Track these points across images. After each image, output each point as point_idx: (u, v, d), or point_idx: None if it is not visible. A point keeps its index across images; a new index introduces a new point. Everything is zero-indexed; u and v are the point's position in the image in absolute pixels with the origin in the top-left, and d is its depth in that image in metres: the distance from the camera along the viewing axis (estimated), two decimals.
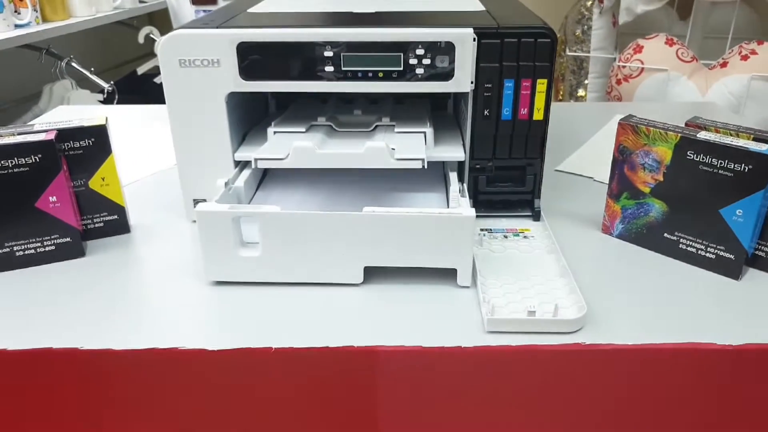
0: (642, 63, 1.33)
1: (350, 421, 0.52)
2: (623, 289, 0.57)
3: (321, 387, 0.50)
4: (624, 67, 1.35)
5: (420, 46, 0.60)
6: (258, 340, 0.50)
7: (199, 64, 0.61)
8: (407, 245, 0.55)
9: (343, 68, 0.61)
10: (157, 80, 2.11)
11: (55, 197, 0.59)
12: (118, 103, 1.80)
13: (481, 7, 0.72)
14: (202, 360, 0.49)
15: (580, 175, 0.83)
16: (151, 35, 2.11)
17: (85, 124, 0.61)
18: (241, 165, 0.68)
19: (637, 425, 0.52)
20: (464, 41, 0.60)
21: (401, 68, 0.61)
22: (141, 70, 2.08)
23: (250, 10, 0.72)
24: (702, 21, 1.50)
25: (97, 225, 0.65)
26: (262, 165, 0.58)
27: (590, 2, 1.48)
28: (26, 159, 0.56)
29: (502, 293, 0.55)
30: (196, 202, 0.69)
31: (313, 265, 0.56)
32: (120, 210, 0.66)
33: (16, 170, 0.56)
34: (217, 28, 0.61)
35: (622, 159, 0.63)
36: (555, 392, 0.50)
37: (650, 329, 0.51)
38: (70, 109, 1.16)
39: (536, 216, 0.69)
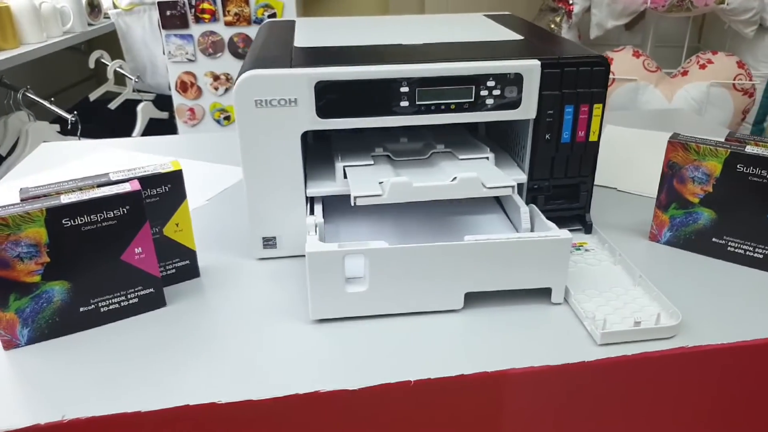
0: (613, 74, 1.43)
1: None
2: (691, 291, 0.62)
3: (454, 414, 0.52)
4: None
5: (491, 79, 0.63)
6: (387, 375, 0.50)
7: (275, 104, 0.61)
8: (506, 269, 0.58)
9: (417, 102, 0.63)
10: (111, 106, 2.03)
11: (140, 248, 0.57)
12: (73, 132, 1.71)
13: (517, 36, 0.76)
14: (342, 399, 0.49)
15: (605, 186, 0.88)
16: (102, 59, 2.02)
17: (161, 170, 0.60)
18: (312, 201, 0.68)
19: (742, 418, 0.57)
20: (532, 72, 0.64)
21: (472, 99, 0.64)
22: (93, 96, 1.99)
23: (299, 45, 0.72)
24: (652, 32, 1.63)
25: (169, 272, 0.64)
26: (360, 202, 0.59)
27: (558, 18, 1.57)
28: (114, 212, 0.54)
29: (595, 307, 0.59)
30: (265, 240, 0.68)
31: (417, 295, 0.58)
32: (192, 255, 0.65)
33: (104, 224, 0.54)
34: (291, 67, 0.61)
35: (671, 174, 0.68)
36: (666, 393, 0.55)
37: (736, 326, 0.56)
38: (52, 147, 1.10)
39: (588, 229, 0.74)
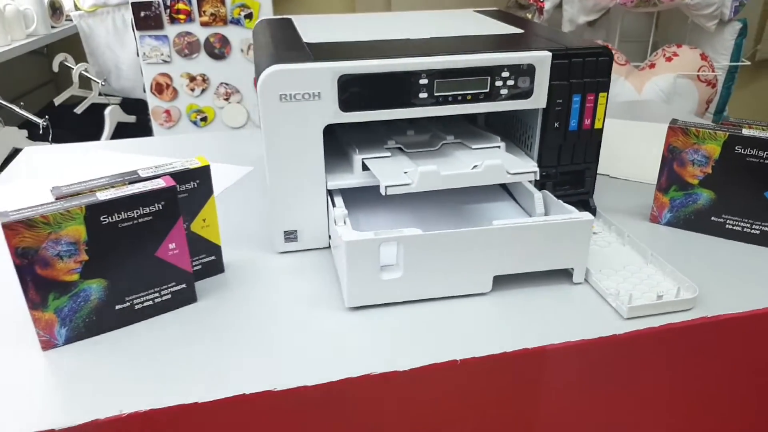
0: None
1: (523, 419, 0.56)
2: (695, 266, 0.66)
3: (497, 389, 0.54)
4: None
5: (506, 69, 0.66)
6: (432, 356, 0.52)
7: (299, 98, 0.62)
8: (532, 252, 0.60)
9: (435, 94, 0.65)
10: (78, 110, 1.97)
11: (174, 244, 0.57)
12: (44, 137, 1.66)
13: (517, 29, 0.79)
14: (392, 380, 0.51)
15: (599, 174, 0.92)
16: (66, 62, 1.96)
17: (190, 166, 0.60)
18: (332, 193, 0.69)
19: (760, 381, 0.61)
20: (543, 63, 0.67)
21: (487, 90, 0.66)
22: (59, 100, 1.93)
23: (310, 41, 0.73)
24: (618, 28, 1.70)
25: (196, 268, 0.64)
26: (391, 191, 0.60)
27: (530, 14, 1.62)
28: (150, 208, 0.54)
29: (615, 284, 0.62)
30: (286, 234, 0.69)
31: (448, 280, 0.60)
32: (217, 250, 0.65)
33: (140, 220, 0.54)
34: (314, 61, 0.62)
35: (671, 157, 0.72)
36: (688, 362, 0.58)
37: (744, 297, 0.60)
38: (36, 151, 1.07)
39: (592, 213, 0.77)
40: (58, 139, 1.71)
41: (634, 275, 0.64)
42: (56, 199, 0.53)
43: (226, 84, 1.61)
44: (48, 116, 1.74)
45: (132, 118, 2.10)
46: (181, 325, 0.57)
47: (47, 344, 0.54)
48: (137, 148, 1.06)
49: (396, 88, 0.64)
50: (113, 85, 2.13)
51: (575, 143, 0.73)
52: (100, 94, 2.05)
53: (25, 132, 1.62)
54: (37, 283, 0.51)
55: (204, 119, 1.66)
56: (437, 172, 0.61)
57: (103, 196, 0.52)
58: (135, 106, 2.16)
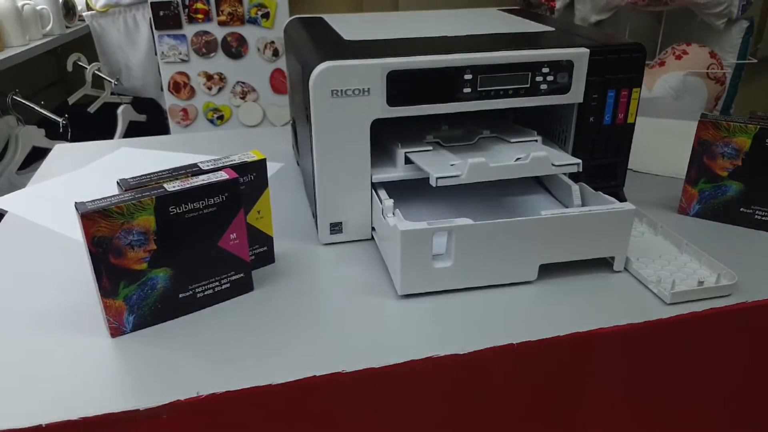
0: None
1: (572, 401, 0.59)
2: (726, 254, 0.69)
3: (549, 372, 0.56)
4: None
5: (545, 65, 0.68)
6: (487, 340, 0.54)
7: (350, 93, 0.64)
8: (577, 241, 0.63)
9: (478, 89, 0.68)
10: (90, 109, 1.98)
11: (235, 234, 0.59)
12: (63, 136, 1.67)
13: (547, 27, 0.82)
14: (454, 363, 0.53)
15: None
16: (79, 62, 1.97)
17: (247, 159, 0.62)
18: (375, 186, 0.71)
19: None
20: (581, 59, 0.69)
21: (528, 85, 0.69)
22: (72, 99, 1.94)
23: (350, 38, 0.75)
24: (627, 26, 1.73)
25: (251, 258, 0.66)
26: (441, 183, 0.63)
27: (541, 13, 1.65)
28: (215, 199, 0.56)
29: (653, 272, 0.65)
30: (332, 225, 0.71)
31: (496, 268, 0.62)
32: (270, 241, 0.67)
33: (205, 211, 0.56)
34: (363, 58, 0.64)
35: (701, 150, 0.75)
36: (728, 345, 0.61)
37: None
38: (67, 148, 1.08)
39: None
40: (74, 138, 1.72)
41: (671, 263, 0.67)
42: (125, 190, 0.55)
43: (243, 83, 1.63)
44: (60, 114, 1.76)
45: (143, 117, 2.12)
46: (241, 313, 0.59)
47: (116, 331, 0.55)
48: (165, 146, 1.08)
49: (441, 84, 0.66)
50: (124, 84, 2.15)
51: (608, 137, 0.75)
52: (112, 94, 2.06)
53: (42, 131, 1.63)
54: (110, 271, 0.53)
55: (220, 118, 1.68)
56: (486, 163, 0.63)
57: (171, 187, 0.54)
58: (145, 105, 2.18)
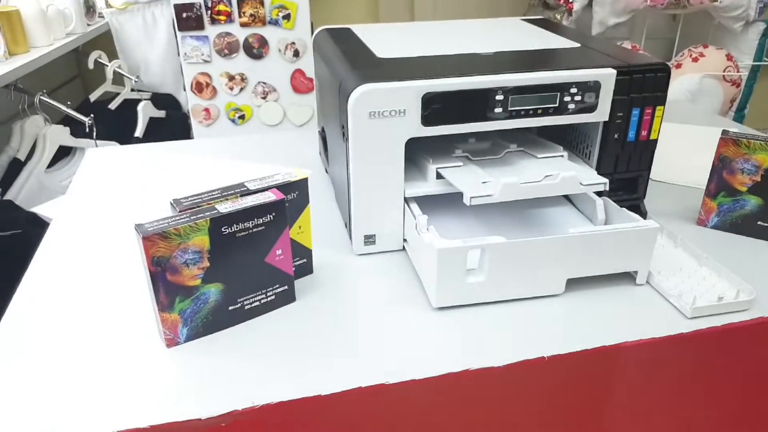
0: None
1: (597, 413, 0.62)
2: (744, 267, 0.72)
3: (578, 384, 0.60)
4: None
5: (574, 86, 0.71)
6: (520, 353, 0.58)
7: (387, 114, 0.67)
8: (602, 256, 0.66)
9: (509, 108, 0.70)
10: (111, 106, 2.01)
11: (280, 250, 0.62)
12: (89, 135, 1.70)
13: (573, 43, 0.84)
14: (489, 376, 0.56)
15: None
16: (100, 59, 2.01)
17: (290, 179, 0.65)
18: (407, 201, 0.74)
19: None
20: (608, 79, 0.72)
21: (557, 105, 0.72)
22: (93, 96, 1.98)
23: (383, 56, 0.77)
24: (638, 26, 1.75)
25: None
26: (474, 202, 0.66)
27: (559, 15, 1.67)
28: (263, 218, 0.60)
29: (674, 285, 0.68)
30: (366, 237, 0.74)
31: (526, 282, 0.65)
32: (309, 254, 0.70)
33: (255, 230, 0.59)
34: (400, 80, 0.67)
35: (721, 166, 0.78)
36: (746, 360, 0.64)
37: None
38: (101, 153, 1.12)
39: (643, 216, 0.83)
40: (96, 135, 1.76)
41: (691, 277, 0.70)
42: (180, 211, 0.58)
43: (264, 83, 1.66)
44: (83, 113, 1.79)
45: (162, 113, 2.15)
46: (285, 324, 0.63)
47: (171, 342, 0.59)
48: (197, 150, 1.11)
49: (474, 104, 0.69)
50: (143, 80, 2.18)
51: (631, 152, 0.78)
52: (132, 90, 2.09)
53: (67, 129, 1.67)
54: (167, 288, 0.56)
55: (242, 117, 1.71)
56: (517, 184, 0.66)
57: (223, 208, 0.58)
58: (164, 100, 2.21)
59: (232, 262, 0.59)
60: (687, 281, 0.69)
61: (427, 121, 0.69)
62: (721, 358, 0.64)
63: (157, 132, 2.08)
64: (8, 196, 1.42)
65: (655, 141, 0.78)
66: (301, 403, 0.53)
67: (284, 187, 0.64)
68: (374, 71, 0.71)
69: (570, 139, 0.84)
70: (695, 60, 1.53)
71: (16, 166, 1.51)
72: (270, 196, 0.60)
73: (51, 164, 1.61)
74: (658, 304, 0.66)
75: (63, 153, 1.68)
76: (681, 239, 0.76)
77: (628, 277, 0.69)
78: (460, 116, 0.70)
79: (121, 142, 1.91)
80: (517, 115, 0.71)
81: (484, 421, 0.59)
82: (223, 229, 0.57)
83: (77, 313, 0.65)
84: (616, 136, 0.76)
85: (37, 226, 1.27)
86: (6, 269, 1.15)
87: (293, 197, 0.66)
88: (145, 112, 2.04)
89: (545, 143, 0.82)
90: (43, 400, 0.53)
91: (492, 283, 0.64)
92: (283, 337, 0.61)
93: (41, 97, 1.55)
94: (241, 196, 0.61)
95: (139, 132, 2.01)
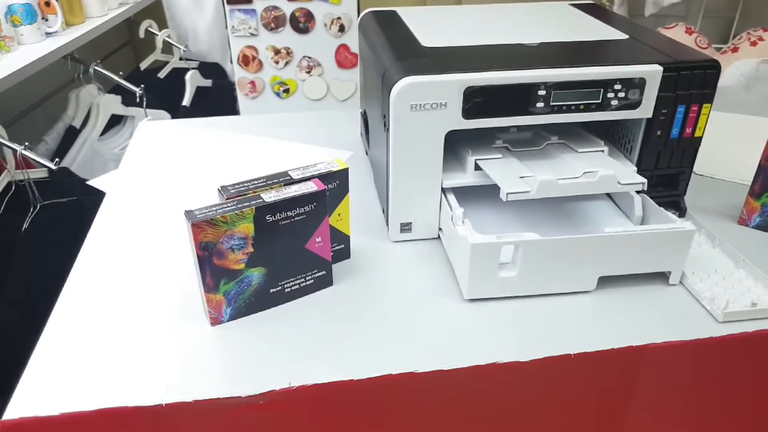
0: None
1: (619, 413, 0.64)
2: None
3: (602, 383, 0.62)
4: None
5: (618, 82, 0.70)
6: (547, 349, 0.60)
7: (428, 107, 0.68)
8: (636, 256, 0.66)
9: (551, 103, 0.70)
10: (161, 74, 2.07)
11: (320, 238, 0.65)
12: (140, 104, 1.76)
13: (622, 34, 0.82)
14: (515, 370, 0.59)
15: None
16: (150, 29, 2.05)
17: (332, 169, 0.67)
18: (444, 191, 0.76)
19: None
20: (654, 76, 0.71)
21: (599, 101, 0.71)
22: (144, 65, 2.03)
23: (427, 45, 0.78)
24: (701, 8, 1.68)
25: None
26: (511, 198, 0.67)
27: None
28: (305, 208, 0.62)
29: (707, 288, 0.68)
30: (402, 225, 0.76)
31: (558, 278, 0.66)
32: (347, 240, 0.73)
33: (297, 218, 0.62)
34: (442, 73, 0.68)
35: None
36: None
37: None
38: (151, 126, 1.16)
39: (682, 213, 0.82)
40: (147, 105, 1.81)
41: (726, 279, 0.70)
42: (227, 199, 0.61)
43: (309, 57, 1.67)
44: (132, 81, 1.84)
45: (208, 82, 2.19)
46: (322, 306, 0.66)
47: (215, 320, 0.63)
48: (243, 127, 1.14)
49: (515, 98, 0.69)
50: (191, 48, 2.22)
51: (674, 149, 0.77)
52: (180, 59, 2.14)
53: (119, 98, 1.73)
54: (213, 271, 0.60)
55: (286, 91, 1.73)
56: (555, 181, 0.67)
57: (267, 197, 0.60)
58: (211, 69, 2.25)
59: (275, 248, 0.62)
60: (721, 283, 0.69)
61: (468, 114, 0.70)
62: (752, 365, 0.64)
63: (203, 101, 2.12)
64: (64, 163, 1.49)
65: (700, 138, 0.77)
66: (333, 386, 0.56)
67: (326, 177, 0.67)
68: (417, 62, 0.72)
69: (612, 132, 0.84)
70: (754, 44, 1.46)
71: (71, 134, 1.58)
72: (312, 187, 0.63)
73: (103, 132, 1.68)
74: (690, 306, 0.66)
75: (115, 121, 1.74)
76: (719, 239, 0.75)
77: (662, 276, 0.70)
78: (502, 110, 0.70)
79: (169, 110, 1.96)
80: (559, 110, 0.71)
81: (508, 414, 0.62)
82: (267, 218, 0.60)
83: (129, 289, 0.69)
84: (659, 133, 0.75)
85: (91, 193, 1.33)
86: (62, 235, 1.23)
87: (334, 186, 0.68)
88: (192, 81, 2.08)
89: (587, 136, 0.82)
90: (95, 370, 0.58)
91: (524, 278, 0.66)
92: (319, 320, 0.64)
93: (95, 67, 1.60)
94: (285, 185, 0.64)
95: (186, 101, 2.06)
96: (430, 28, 0.86)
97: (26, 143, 1.18)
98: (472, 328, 0.63)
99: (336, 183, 0.68)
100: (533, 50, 0.76)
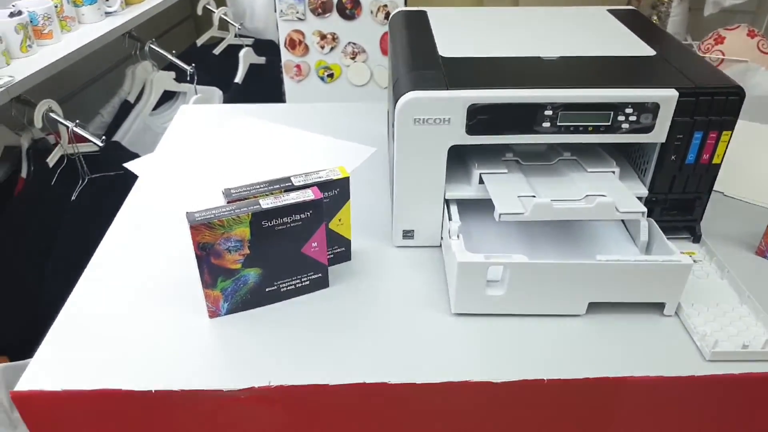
0: (723, 54, 1.41)
1: None
2: None
3: (574, 410, 0.62)
4: (703, 57, 1.43)
5: (629, 106, 0.69)
6: (523, 372, 0.61)
7: (431, 122, 0.69)
8: (628, 285, 0.66)
9: (558, 124, 0.70)
10: (216, 51, 2.13)
11: (316, 243, 0.68)
12: (190, 81, 1.83)
13: (649, 51, 0.80)
14: (485, 390, 0.60)
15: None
16: (208, 6, 2.11)
17: (333, 177, 0.69)
18: (448, 202, 0.77)
19: None
20: (669, 102, 0.69)
21: (609, 123, 0.70)
22: (200, 41, 2.10)
23: (444, 54, 0.78)
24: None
25: (329, 257, 0.75)
26: (505, 219, 0.67)
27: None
28: (301, 215, 0.65)
29: (704, 322, 0.67)
30: (405, 232, 0.78)
31: (546, 300, 0.67)
32: (347, 243, 0.76)
33: (292, 225, 0.65)
34: (447, 89, 0.69)
35: None
36: (764, 412, 0.63)
37: None
38: (191, 110, 1.21)
39: (697, 239, 0.80)
40: (199, 81, 1.88)
41: (726, 315, 0.68)
42: (228, 202, 0.65)
43: (354, 43, 1.69)
44: (188, 57, 1.91)
45: (262, 60, 2.24)
46: (317, 308, 0.69)
47: (213, 314, 0.68)
48: (280, 115, 1.17)
49: (521, 116, 0.69)
50: (247, 26, 2.27)
51: (690, 175, 0.75)
52: (235, 36, 2.20)
53: (173, 74, 1.80)
54: (211, 269, 0.64)
55: (330, 75, 1.76)
56: (550, 204, 0.67)
57: (265, 204, 0.64)
58: (266, 47, 2.29)
59: (271, 251, 0.66)
60: (720, 319, 0.67)
61: (471, 130, 0.70)
62: (736, 408, 0.63)
63: (256, 78, 2.18)
64: (116, 136, 1.58)
65: (718, 165, 0.74)
66: (308, 389, 0.59)
67: (327, 185, 0.69)
68: (427, 75, 0.72)
69: (630, 151, 0.82)
70: None
71: (125, 108, 1.67)
72: (309, 195, 0.65)
73: (156, 107, 1.76)
74: (681, 340, 0.65)
75: (167, 96, 1.82)
76: (728, 271, 0.73)
77: (659, 305, 0.69)
78: (506, 128, 0.70)
79: (222, 87, 2.03)
80: (566, 130, 0.70)
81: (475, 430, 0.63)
82: (263, 223, 0.64)
83: (143, 275, 0.75)
84: (673, 157, 0.73)
85: None
86: (107, 207, 1.31)
87: (334, 193, 0.70)
88: (246, 58, 2.13)
89: (600, 154, 0.80)
90: (99, 352, 0.63)
91: (512, 298, 0.66)
92: (310, 322, 0.67)
93: (150, 45, 1.67)
94: (285, 191, 0.67)
95: (238, 78, 2.12)
96: (453, 35, 0.86)
97: (77, 120, 1.26)
98: (456, 343, 0.65)
99: (337, 191, 0.70)
100: (549, 65, 0.75)
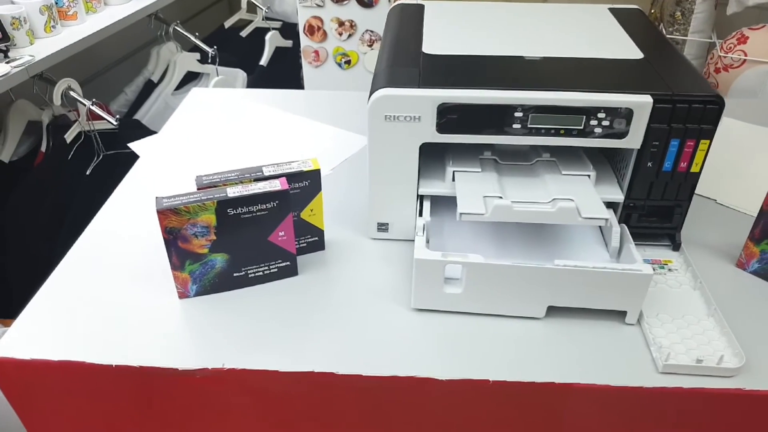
0: (745, 54, 1.36)
1: None
2: (764, 326, 0.67)
3: (520, 414, 0.63)
4: (725, 56, 1.38)
5: (602, 111, 0.68)
6: (471, 370, 0.62)
7: (402, 119, 0.70)
8: (589, 292, 0.66)
9: (529, 125, 0.70)
10: (243, 33, 2.16)
11: (283, 232, 0.70)
12: (212, 62, 1.87)
13: (637, 54, 0.78)
14: (430, 386, 0.61)
15: (704, 196, 0.90)
16: None
17: (304, 168, 0.71)
18: (422, 197, 0.77)
19: None
20: (643, 108, 0.68)
21: (581, 127, 0.69)
22: (228, 23, 2.13)
23: (427, 51, 0.79)
24: None
25: (302, 245, 0.77)
26: (465, 219, 0.68)
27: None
28: (267, 205, 0.67)
29: (665, 333, 0.66)
30: (379, 225, 0.80)
31: (505, 301, 0.67)
32: (320, 233, 0.77)
33: (258, 213, 0.67)
34: (418, 87, 0.69)
35: None
36: (715, 429, 0.62)
37: None
38: (207, 92, 1.24)
39: (676, 247, 0.78)
40: (224, 63, 1.92)
41: (690, 327, 0.67)
42: (198, 188, 0.67)
43: (371, 31, 1.69)
44: (215, 39, 1.95)
45: (289, 43, 2.26)
46: (283, 296, 0.71)
47: (182, 295, 0.71)
48: (282, 103, 1.19)
49: (491, 117, 0.69)
50: (276, 9, 2.30)
51: (668, 182, 0.74)
52: (263, 19, 2.22)
53: (197, 55, 1.84)
54: (178, 252, 0.67)
55: (348, 62, 1.77)
56: (510, 206, 0.67)
57: (231, 192, 0.66)
58: (293, 30, 2.32)
59: (237, 238, 0.68)
60: (682, 331, 0.67)
61: (442, 129, 0.70)
62: (686, 422, 0.62)
63: (280, 61, 2.21)
64: (138, 114, 1.63)
65: (697, 174, 0.72)
66: (260, 374, 0.62)
67: (297, 176, 0.71)
68: (402, 72, 0.73)
69: (611, 155, 0.81)
70: None
71: (149, 87, 1.72)
72: (276, 185, 0.67)
73: (179, 87, 1.81)
74: (639, 350, 0.65)
75: (190, 77, 1.86)
76: (701, 282, 0.72)
77: (621, 313, 0.68)
78: (477, 128, 0.70)
79: (247, 69, 2.06)
80: (537, 132, 0.70)
81: (417, 429, 0.65)
82: (228, 210, 0.66)
83: (126, 254, 0.78)
84: (649, 164, 0.72)
85: None
86: (119, 182, 1.36)
87: (305, 185, 0.72)
88: (272, 41, 2.16)
89: (579, 157, 0.79)
90: (73, 324, 0.67)
91: (469, 297, 0.67)
92: (276, 308, 0.70)
93: (175, 27, 1.71)
94: (255, 180, 0.69)
95: (264, 60, 2.15)
96: (443, 30, 0.86)
97: (94, 99, 1.31)
98: (411, 337, 0.66)
99: (307, 182, 0.72)
100: (530, 65, 0.75)
